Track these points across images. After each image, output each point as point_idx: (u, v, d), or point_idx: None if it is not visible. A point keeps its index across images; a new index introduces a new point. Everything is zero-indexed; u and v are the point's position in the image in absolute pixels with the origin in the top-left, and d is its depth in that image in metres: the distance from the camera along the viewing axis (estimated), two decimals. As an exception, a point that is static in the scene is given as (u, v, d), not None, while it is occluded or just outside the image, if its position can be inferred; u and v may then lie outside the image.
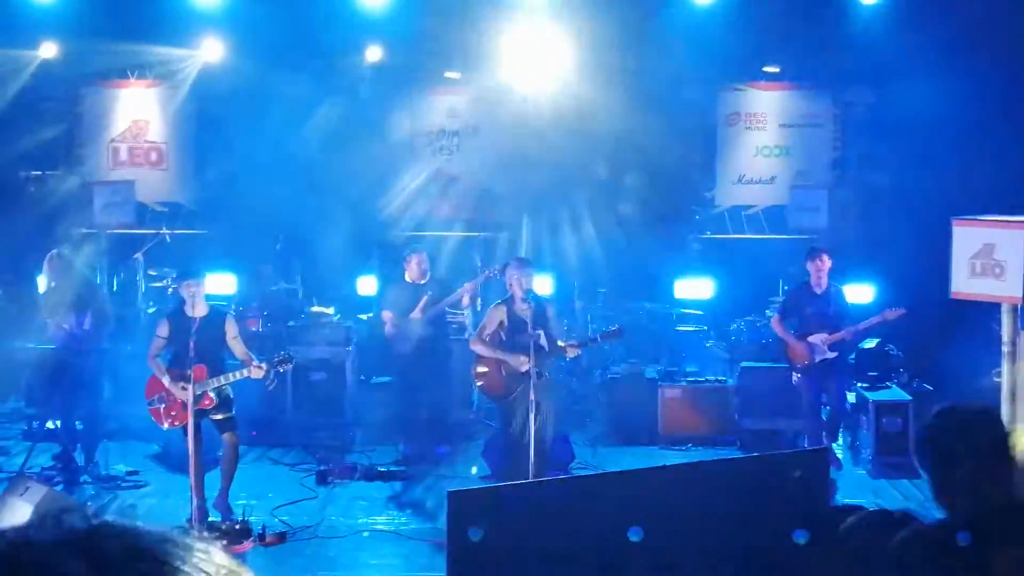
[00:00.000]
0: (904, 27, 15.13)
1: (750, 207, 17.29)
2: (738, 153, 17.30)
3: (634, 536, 5.39)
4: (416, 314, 12.97)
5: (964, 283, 10.64)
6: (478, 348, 11.21)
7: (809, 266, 12.36)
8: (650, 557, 5.54)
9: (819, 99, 17.11)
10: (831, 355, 12.29)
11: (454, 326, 13.82)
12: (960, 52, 14.49)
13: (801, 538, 5.44)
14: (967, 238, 10.60)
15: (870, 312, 15.59)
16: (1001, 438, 3.99)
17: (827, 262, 12.29)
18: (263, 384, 10.61)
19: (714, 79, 16.87)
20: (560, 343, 11.01)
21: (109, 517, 1.48)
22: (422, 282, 13.11)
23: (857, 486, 12.17)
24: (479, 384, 11.44)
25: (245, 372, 10.38)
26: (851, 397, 13.48)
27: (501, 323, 11.06)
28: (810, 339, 12.25)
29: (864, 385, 13.26)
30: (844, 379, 12.53)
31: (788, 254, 16.41)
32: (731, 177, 17.33)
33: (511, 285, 10.98)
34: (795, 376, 12.69)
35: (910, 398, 12.85)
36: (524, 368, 10.74)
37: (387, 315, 13.19)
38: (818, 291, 12.32)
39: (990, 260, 10.41)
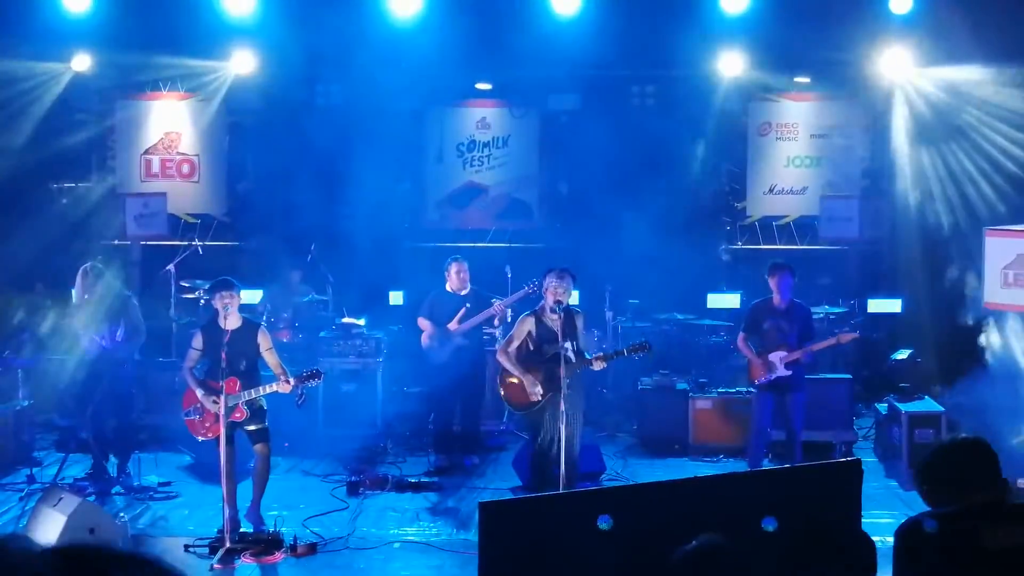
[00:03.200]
0: (936, 33, 15.06)
1: (781, 218, 17.25)
2: (769, 163, 17.26)
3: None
4: (453, 325, 13.02)
5: (997, 293, 10.61)
6: (502, 360, 11.18)
7: (770, 281, 12.18)
8: (676, 567, 5.52)
9: (850, 109, 17.06)
10: (785, 373, 12.04)
11: (487, 337, 13.82)
12: (983, 56, 14.42)
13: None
14: (1000, 248, 10.57)
15: (899, 323, 15.56)
16: (994, 462, 4.77)
17: (785, 279, 12.07)
18: (293, 398, 10.63)
19: (745, 90, 16.85)
20: (587, 355, 10.95)
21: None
22: (462, 292, 13.16)
23: (890, 497, 12.10)
24: (505, 395, 11.40)
25: (274, 387, 10.39)
26: (883, 408, 13.40)
27: (530, 334, 11.03)
28: (770, 356, 12.03)
29: (897, 397, 13.18)
30: (800, 399, 12.08)
31: (820, 265, 16.39)
32: (762, 187, 17.30)
33: (546, 293, 10.94)
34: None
35: (943, 409, 12.77)
36: (535, 398, 10.77)
37: (424, 323, 13.23)
38: (779, 307, 12.12)
39: (1023, 270, 10.37)
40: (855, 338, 12.45)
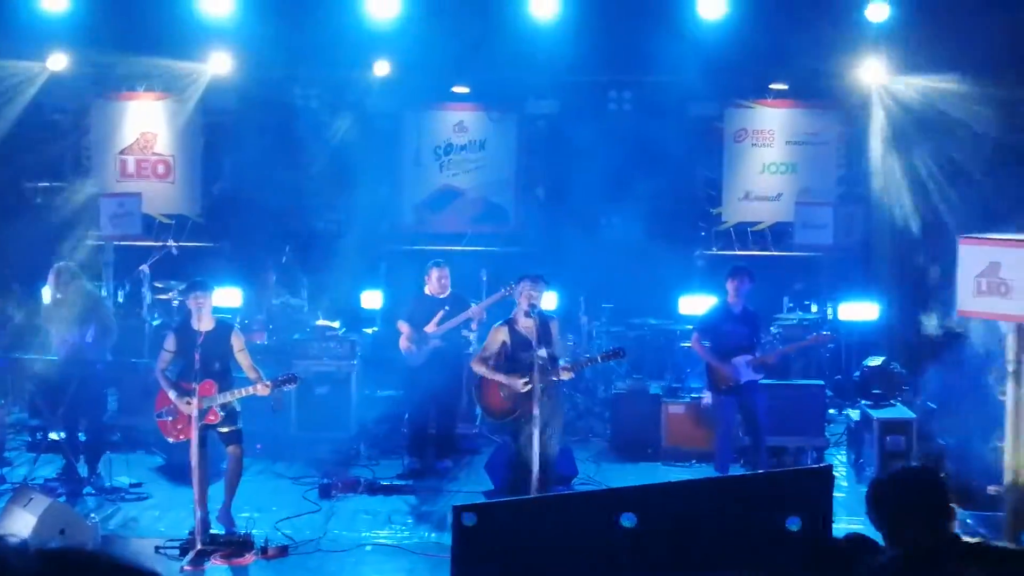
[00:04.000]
0: (911, 42, 15.13)
1: (756, 224, 17.30)
2: (745, 170, 17.31)
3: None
4: (431, 328, 12.99)
5: (970, 301, 10.63)
6: (479, 369, 11.11)
7: (728, 285, 12.25)
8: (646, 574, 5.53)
9: (825, 116, 17.12)
10: (757, 377, 12.11)
11: (463, 339, 13.82)
12: (958, 65, 14.49)
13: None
14: (973, 256, 10.59)
15: (871, 330, 15.61)
16: (942, 497, 4.65)
17: (744, 283, 12.15)
18: (268, 401, 10.61)
19: (721, 96, 16.89)
20: (560, 364, 10.87)
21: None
22: (441, 296, 13.14)
23: (861, 503, 12.14)
24: (483, 405, 11.36)
25: (251, 390, 10.37)
26: (855, 414, 13.44)
27: (504, 343, 10.98)
28: (735, 360, 12.07)
29: (868, 403, 13.22)
30: (762, 402, 12.19)
31: (794, 271, 16.43)
32: (737, 194, 17.35)
33: (520, 299, 10.91)
34: (707, 396, 12.57)
35: (914, 416, 12.82)
36: (522, 389, 10.68)
37: (403, 326, 13.20)
38: (736, 311, 12.20)
39: (996, 278, 10.40)
40: (829, 337, 12.52)
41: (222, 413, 10.41)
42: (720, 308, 12.35)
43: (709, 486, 7.14)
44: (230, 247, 16.53)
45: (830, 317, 15.70)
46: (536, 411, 10.29)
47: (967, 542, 4.67)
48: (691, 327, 13.42)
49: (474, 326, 13.45)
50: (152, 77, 16.93)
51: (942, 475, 4.83)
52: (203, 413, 10.25)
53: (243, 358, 10.64)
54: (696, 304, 15.53)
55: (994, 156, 14.63)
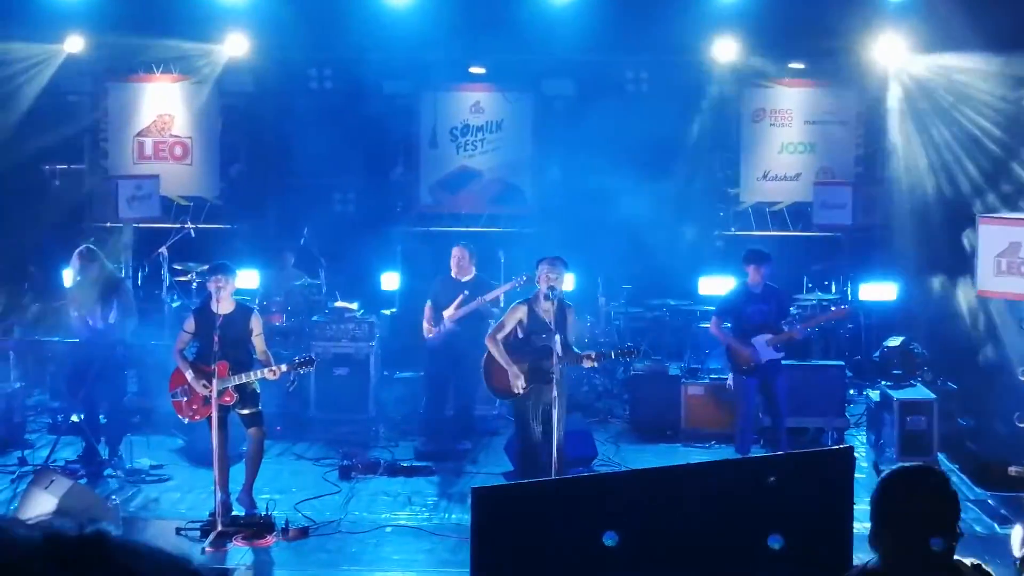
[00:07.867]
0: (929, 21, 15.05)
1: (775, 204, 17.25)
2: (763, 150, 17.26)
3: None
4: (449, 311, 12.95)
5: (990, 281, 10.61)
6: (491, 347, 11.08)
7: (748, 268, 12.19)
8: (663, 560, 5.53)
9: (844, 95, 17.05)
10: (778, 356, 12.06)
11: (480, 325, 13.79)
12: (977, 43, 14.39)
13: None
14: (993, 236, 10.57)
15: (891, 310, 15.57)
16: (930, 505, 4.12)
17: (770, 266, 12.11)
18: (285, 384, 10.62)
19: (739, 75, 16.82)
20: (576, 351, 10.84)
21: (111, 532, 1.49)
22: (463, 279, 13.11)
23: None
24: (488, 381, 11.33)
25: (263, 373, 10.38)
26: (875, 395, 13.41)
27: (520, 322, 10.96)
28: (754, 340, 12.00)
29: (888, 384, 13.18)
30: (783, 383, 12.12)
31: (813, 251, 16.40)
32: (756, 174, 17.29)
33: (539, 282, 10.89)
34: (730, 378, 12.45)
35: (935, 397, 12.77)
36: (518, 391, 10.73)
37: (428, 308, 13.17)
38: (757, 291, 12.14)
39: (1016, 258, 10.37)
40: (848, 312, 12.54)
41: (237, 395, 10.43)
42: (740, 290, 12.30)
43: (730, 467, 7.14)
44: (248, 229, 16.53)
45: (849, 297, 15.66)
46: (555, 393, 10.28)
47: (955, 563, 4.12)
48: (711, 308, 13.38)
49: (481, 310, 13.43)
50: (169, 59, 16.94)
51: (940, 480, 4.18)
52: (217, 395, 10.26)
53: (258, 342, 10.65)
54: (715, 285, 15.51)
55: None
